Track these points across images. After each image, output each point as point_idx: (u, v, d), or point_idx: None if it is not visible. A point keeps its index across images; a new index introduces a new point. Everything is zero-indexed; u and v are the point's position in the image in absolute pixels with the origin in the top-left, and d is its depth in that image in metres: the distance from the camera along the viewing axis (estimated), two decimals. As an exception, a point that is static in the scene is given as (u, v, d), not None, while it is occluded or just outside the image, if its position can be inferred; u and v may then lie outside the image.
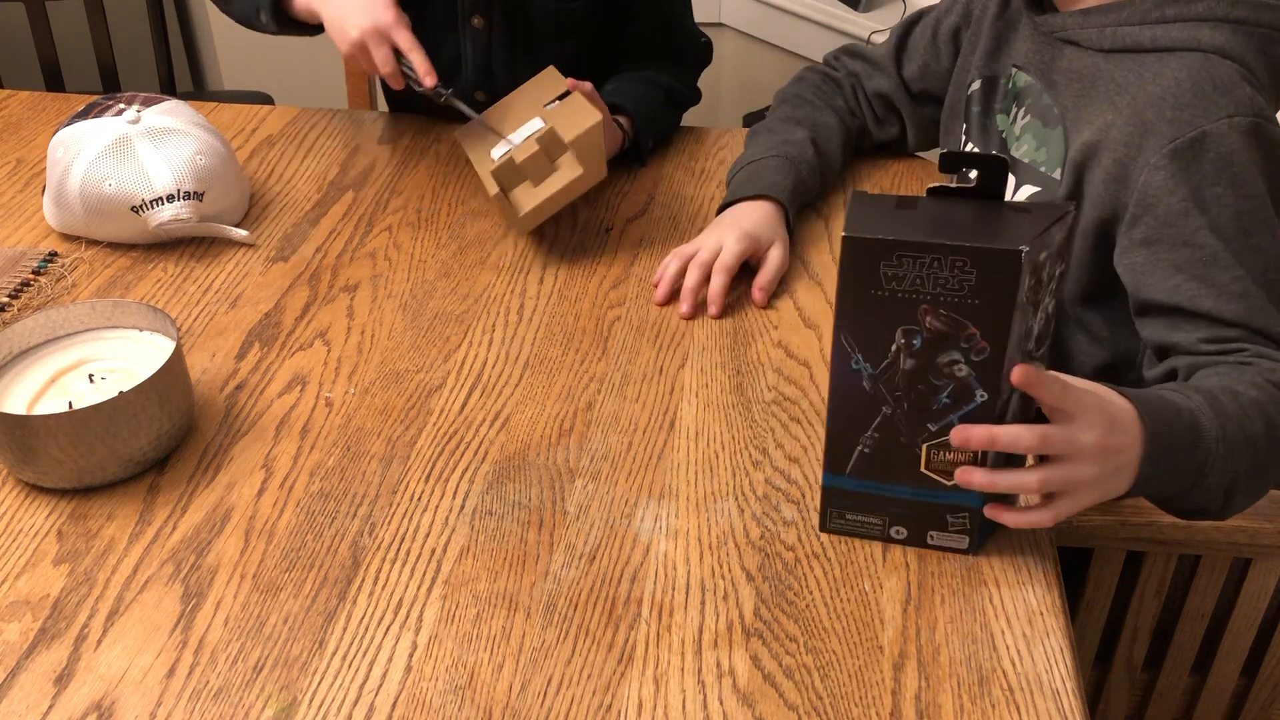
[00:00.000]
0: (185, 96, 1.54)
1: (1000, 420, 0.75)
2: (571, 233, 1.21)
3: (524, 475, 0.90)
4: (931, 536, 0.82)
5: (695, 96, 1.42)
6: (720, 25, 2.24)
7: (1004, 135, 1.10)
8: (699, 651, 0.75)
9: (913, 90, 1.25)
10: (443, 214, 1.25)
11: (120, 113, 1.16)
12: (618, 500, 0.87)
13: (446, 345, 1.04)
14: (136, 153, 1.13)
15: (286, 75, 2.40)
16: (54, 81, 1.84)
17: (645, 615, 0.78)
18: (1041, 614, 0.78)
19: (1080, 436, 0.75)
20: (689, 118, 1.44)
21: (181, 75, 2.58)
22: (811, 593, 0.79)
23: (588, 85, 1.18)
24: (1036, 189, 1.05)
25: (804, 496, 0.87)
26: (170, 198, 1.13)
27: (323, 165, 1.34)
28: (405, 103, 1.47)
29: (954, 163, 0.75)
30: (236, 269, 1.15)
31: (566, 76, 1.19)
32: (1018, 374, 0.73)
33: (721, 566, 0.82)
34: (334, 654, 0.75)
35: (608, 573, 0.81)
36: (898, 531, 0.82)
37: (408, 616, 0.78)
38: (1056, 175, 1.02)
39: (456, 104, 1.20)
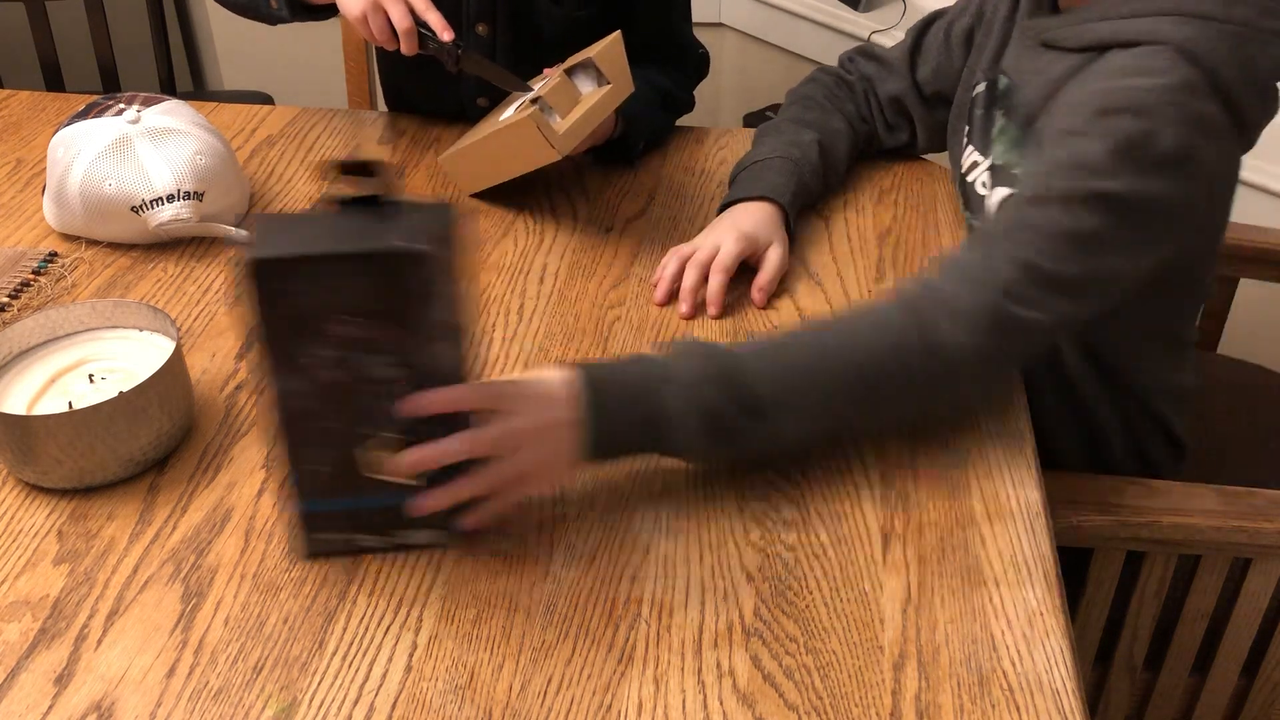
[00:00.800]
0: (185, 96, 1.54)
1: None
2: (571, 233, 1.21)
3: (524, 475, 0.89)
4: (405, 536, 0.82)
5: (690, 104, 1.42)
6: (720, 25, 2.24)
7: (994, 138, 1.11)
8: (699, 651, 0.75)
9: (925, 93, 1.25)
10: (443, 214, 1.24)
11: (120, 113, 1.16)
12: (618, 500, 0.87)
13: (446, 345, 1.04)
14: (136, 153, 1.13)
15: (286, 75, 2.40)
16: (54, 81, 1.84)
17: (645, 615, 0.78)
18: (1041, 614, 0.78)
19: (512, 426, 0.78)
20: (689, 117, 1.44)
21: (181, 75, 2.58)
22: (811, 593, 0.79)
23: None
24: (1011, 191, 1.06)
25: (804, 496, 0.87)
26: (170, 198, 1.13)
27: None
28: (405, 102, 1.47)
29: (343, 171, 0.74)
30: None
31: None
32: (409, 406, 0.75)
33: (721, 566, 0.82)
34: (334, 654, 0.75)
35: (608, 573, 0.81)
36: (375, 540, 0.82)
37: (408, 616, 0.78)
38: None
39: (474, 56, 1.17)
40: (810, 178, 1.19)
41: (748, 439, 0.85)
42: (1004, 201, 1.05)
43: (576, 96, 1.14)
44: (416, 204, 0.76)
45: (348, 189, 0.74)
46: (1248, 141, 0.99)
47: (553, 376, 0.81)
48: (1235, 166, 1.03)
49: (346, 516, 0.81)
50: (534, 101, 1.11)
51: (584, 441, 0.80)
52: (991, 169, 1.10)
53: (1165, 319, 1.09)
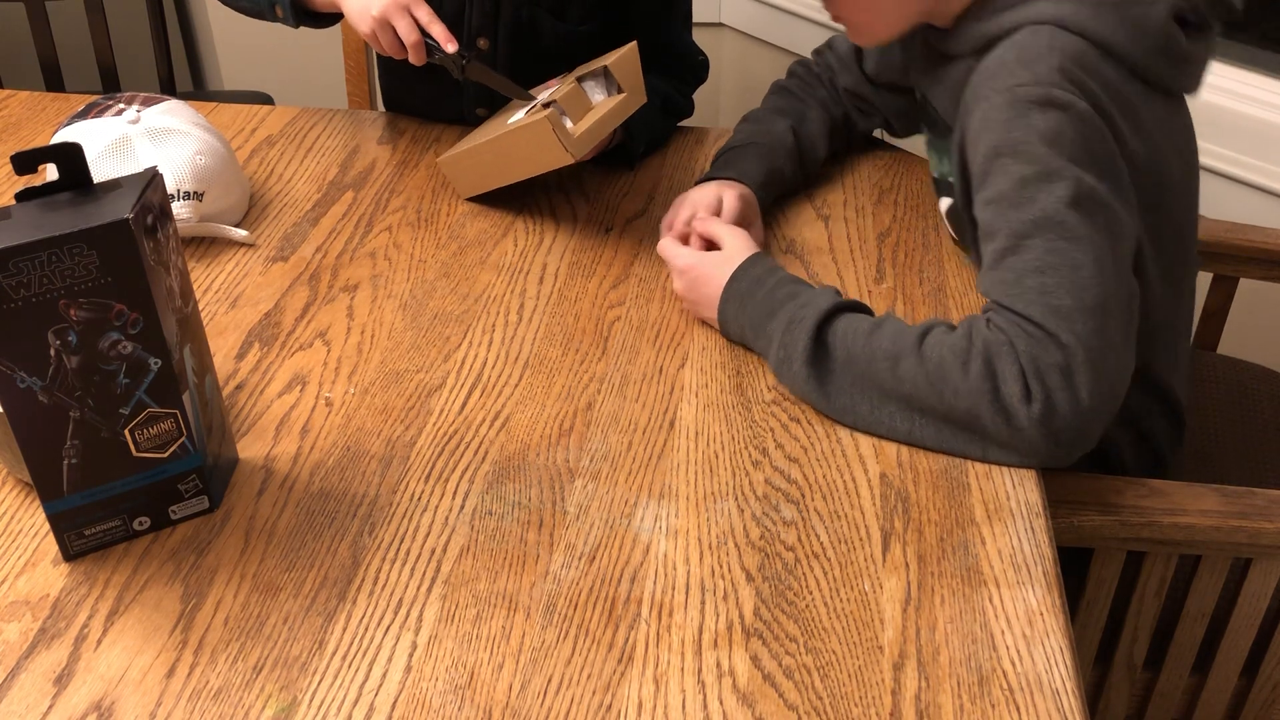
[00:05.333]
0: (185, 96, 1.54)
1: (182, 378, 0.80)
2: (571, 233, 1.21)
3: (524, 475, 0.90)
4: (174, 511, 0.84)
5: (690, 109, 1.43)
6: (720, 25, 2.24)
7: (928, 150, 1.14)
8: (699, 651, 0.75)
9: (876, 84, 1.26)
10: (443, 214, 1.25)
11: (120, 113, 1.16)
12: (618, 500, 0.87)
13: (446, 345, 1.04)
14: (136, 153, 1.13)
15: (286, 75, 2.40)
16: (54, 81, 1.84)
17: (645, 615, 0.78)
18: (1041, 614, 0.78)
19: (695, 269, 1.05)
20: (689, 118, 1.44)
21: (181, 75, 2.58)
22: (811, 593, 0.79)
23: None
24: (950, 200, 1.07)
25: (804, 496, 0.87)
26: (170, 198, 1.13)
27: (323, 165, 1.34)
28: (405, 103, 1.47)
29: (28, 162, 0.75)
30: (236, 269, 1.15)
31: None
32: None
33: (721, 566, 0.82)
34: (334, 654, 0.75)
35: (608, 573, 0.81)
36: (141, 523, 0.83)
37: (408, 616, 0.78)
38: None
39: (480, 66, 1.21)
40: (784, 162, 1.22)
41: (806, 392, 0.95)
42: (975, 238, 1.04)
43: (588, 104, 1.14)
44: (122, 181, 0.77)
45: (36, 182, 0.74)
46: (1178, 91, 1.00)
47: (734, 255, 1.04)
48: (1177, 121, 1.02)
49: (109, 504, 0.81)
50: (547, 105, 1.12)
51: (724, 292, 1.02)
52: (935, 180, 1.13)
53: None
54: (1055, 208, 0.90)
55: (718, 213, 1.13)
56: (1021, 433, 0.87)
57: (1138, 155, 0.95)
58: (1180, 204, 1.06)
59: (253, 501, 0.87)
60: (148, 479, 0.81)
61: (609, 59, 1.14)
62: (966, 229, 1.05)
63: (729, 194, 1.14)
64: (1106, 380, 0.88)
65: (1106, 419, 0.89)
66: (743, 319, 1.01)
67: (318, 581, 0.80)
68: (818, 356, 0.94)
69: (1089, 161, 0.91)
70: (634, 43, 1.14)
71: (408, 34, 1.17)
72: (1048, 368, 0.87)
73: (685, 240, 1.12)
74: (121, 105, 1.17)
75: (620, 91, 1.14)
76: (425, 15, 1.18)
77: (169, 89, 1.91)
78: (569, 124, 1.13)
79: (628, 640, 0.76)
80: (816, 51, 1.34)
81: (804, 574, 0.81)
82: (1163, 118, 0.99)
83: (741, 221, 1.13)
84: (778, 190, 1.23)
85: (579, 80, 1.16)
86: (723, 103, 2.30)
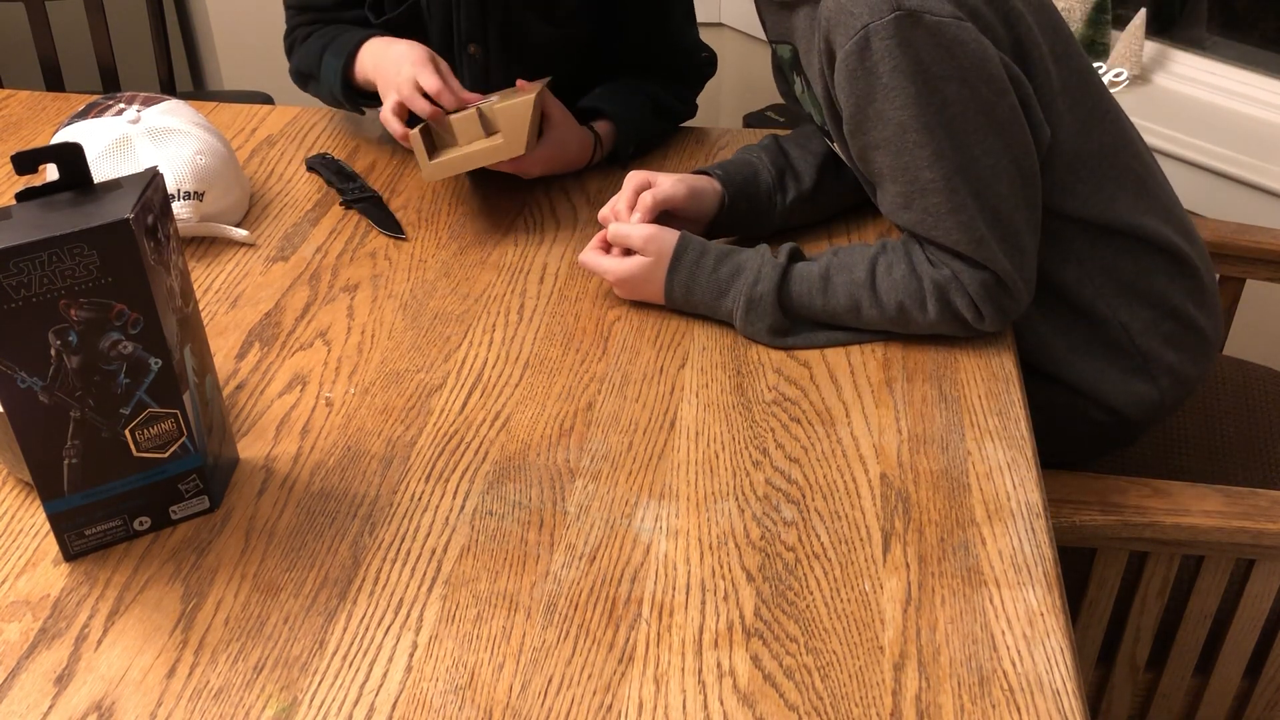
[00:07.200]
0: (185, 96, 1.54)
1: (183, 378, 0.80)
2: (571, 233, 1.21)
3: (524, 475, 0.89)
4: (174, 511, 0.84)
5: (688, 110, 1.41)
6: (720, 25, 2.24)
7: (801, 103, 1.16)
8: (699, 652, 0.75)
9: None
10: (443, 214, 1.24)
11: (120, 112, 1.16)
12: (618, 500, 0.87)
13: (446, 345, 1.04)
14: (137, 152, 1.13)
15: (286, 75, 2.40)
16: (54, 81, 1.84)
17: (645, 615, 0.78)
18: (1042, 614, 0.78)
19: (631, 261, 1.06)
20: (692, 119, 1.43)
21: (181, 75, 2.58)
22: (812, 593, 0.79)
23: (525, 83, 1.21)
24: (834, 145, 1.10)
25: (804, 497, 0.87)
26: (170, 197, 1.13)
27: (323, 165, 1.33)
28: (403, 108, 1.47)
29: (28, 162, 0.74)
30: (236, 269, 1.15)
31: (561, 97, 1.21)
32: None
33: (722, 566, 0.81)
34: (334, 654, 0.75)
35: (608, 573, 0.81)
36: (141, 523, 0.83)
37: (408, 616, 0.78)
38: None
39: (360, 207, 1.24)
40: (756, 154, 1.19)
41: (778, 331, 1.04)
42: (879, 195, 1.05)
43: (479, 134, 1.15)
44: (123, 181, 0.77)
45: (36, 182, 0.74)
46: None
47: (658, 249, 1.05)
48: (1023, 27, 1.01)
49: (109, 504, 0.81)
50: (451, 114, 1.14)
51: (666, 288, 1.06)
52: (820, 128, 1.14)
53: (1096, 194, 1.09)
54: (942, 144, 0.95)
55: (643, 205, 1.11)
56: (979, 332, 1.03)
57: (996, 29, 0.97)
58: (1053, 38, 1.05)
59: (253, 501, 0.87)
60: (148, 479, 0.81)
61: (501, 103, 1.14)
62: (855, 169, 1.07)
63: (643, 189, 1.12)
64: (1029, 266, 1.02)
65: (1034, 283, 1.04)
66: (693, 302, 1.06)
67: (318, 581, 0.80)
68: (782, 327, 1.03)
69: (954, 73, 0.93)
70: (532, 96, 1.14)
71: (424, 112, 1.16)
72: (989, 289, 1.00)
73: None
74: (122, 105, 1.17)
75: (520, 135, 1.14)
76: (432, 83, 1.15)
77: (169, 89, 1.91)
78: (455, 149, 1.14)
79: (628, 640, 0.76)
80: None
81: (804, 574, 0.81)
82: (1007, 18, 0.99)
83: (665, 204, 1.11)
84: (746, 170, 1.17)
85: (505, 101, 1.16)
86: (723, 103, 2.30)
